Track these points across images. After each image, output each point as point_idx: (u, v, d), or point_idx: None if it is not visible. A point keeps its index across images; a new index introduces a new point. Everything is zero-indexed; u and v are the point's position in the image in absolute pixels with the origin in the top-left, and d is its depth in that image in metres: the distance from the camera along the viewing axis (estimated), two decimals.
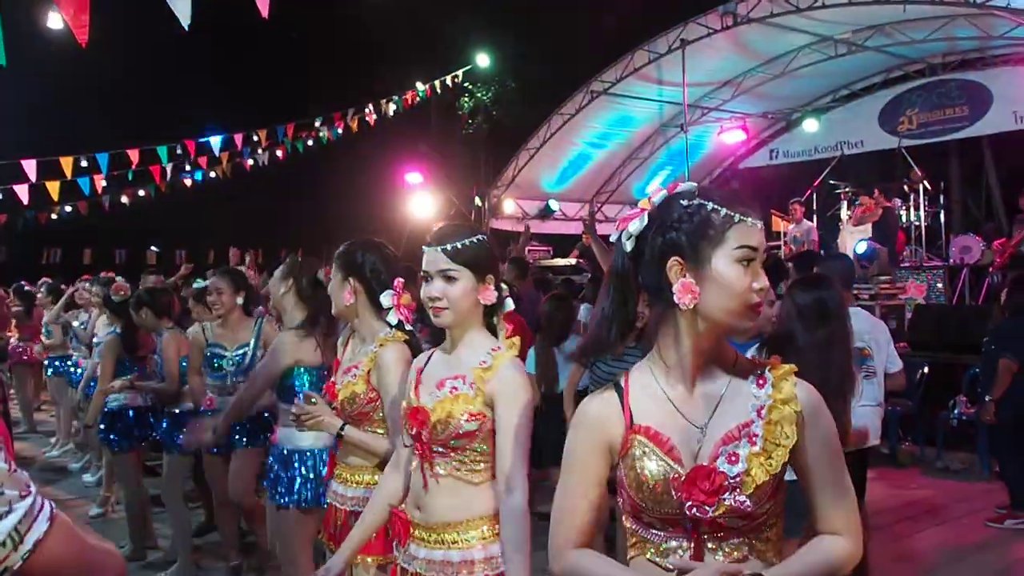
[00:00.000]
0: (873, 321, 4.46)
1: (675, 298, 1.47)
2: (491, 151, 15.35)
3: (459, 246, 2.11)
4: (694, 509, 1.44)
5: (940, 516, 5.80)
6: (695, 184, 1.55)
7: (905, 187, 11.28)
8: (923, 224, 11.23)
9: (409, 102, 14.34)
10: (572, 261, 12.35)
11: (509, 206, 14.55)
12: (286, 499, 3.32)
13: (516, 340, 2.18)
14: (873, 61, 12.33)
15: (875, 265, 10.34)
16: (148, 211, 15.91)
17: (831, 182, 12.13)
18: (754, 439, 1.46)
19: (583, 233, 12.54)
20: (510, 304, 2.23)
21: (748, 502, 1.43)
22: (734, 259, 1.46)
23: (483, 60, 16.16)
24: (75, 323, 7.37)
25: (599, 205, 15.10)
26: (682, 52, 11.46)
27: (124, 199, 15.10)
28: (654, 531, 1.51)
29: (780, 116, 13.99)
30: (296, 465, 3.34)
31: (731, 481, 1.43)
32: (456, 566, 2.06)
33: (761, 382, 1.51)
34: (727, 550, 1.48)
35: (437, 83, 14.54)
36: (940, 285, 9.73)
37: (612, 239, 1.58)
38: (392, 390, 2.56)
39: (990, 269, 9.79)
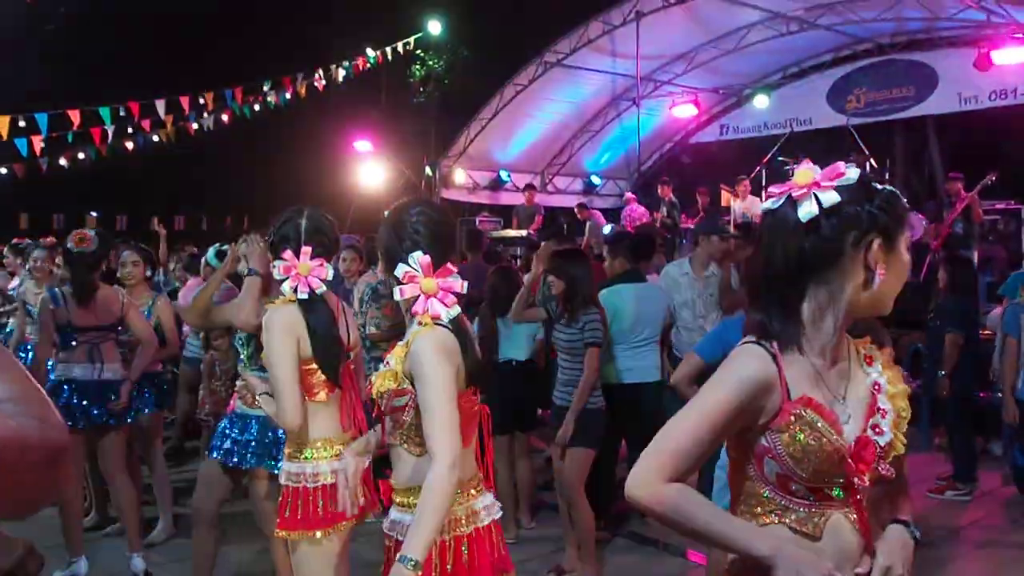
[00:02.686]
0: None
1: (875, 277, 1.54)
2: (442, 120, 15.15)
3: None
4: (854, 478, 1.54)
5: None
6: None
7: (853, 164, 11.41)
8: None
9: (359, 68, 14.06)
10: (523, 232, 12.30)
11: (460, 176, 14.42)
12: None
13: (449, 309, 2.14)
14: (823, 39, 12.45)
15: None
16: (88, 175, 15.40)
17: (780, 159, 12.25)
18: (885, 413, 1.58)
19: (577, 207, 12.39)
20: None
21: (892, 469, 1.57)
22: (906, 247, 1.59)
23: (435, 28, 15.90)
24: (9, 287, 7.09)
25: (550, 177, 15.06)
26: (636, 24, 11.41)
27: (63, 162, 14.58)
28: (798, 499, 1.55)
29: (731, 92, 14.06)
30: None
31: (880, 450, 1.55)
32: (407, 528, 2.08)
33: (869, 360, 1.64)
34: (849, 512, 1.58)
35: (388, 50, 14.28)
36: None
37: (764, 207, 1.59)
38: (272, 348, 2.66)
39: (931, 247, 10.03)
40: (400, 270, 2.11)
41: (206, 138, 14.78)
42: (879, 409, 1.59)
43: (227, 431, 3.43)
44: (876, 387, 1.61)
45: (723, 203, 12.44)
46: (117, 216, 18.81)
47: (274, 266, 2.73)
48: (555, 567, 4.46)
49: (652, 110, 13.87)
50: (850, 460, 1.52)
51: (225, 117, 14.21)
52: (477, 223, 13.52)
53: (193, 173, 18.57)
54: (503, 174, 14.47)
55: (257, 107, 14.16)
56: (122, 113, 12.48)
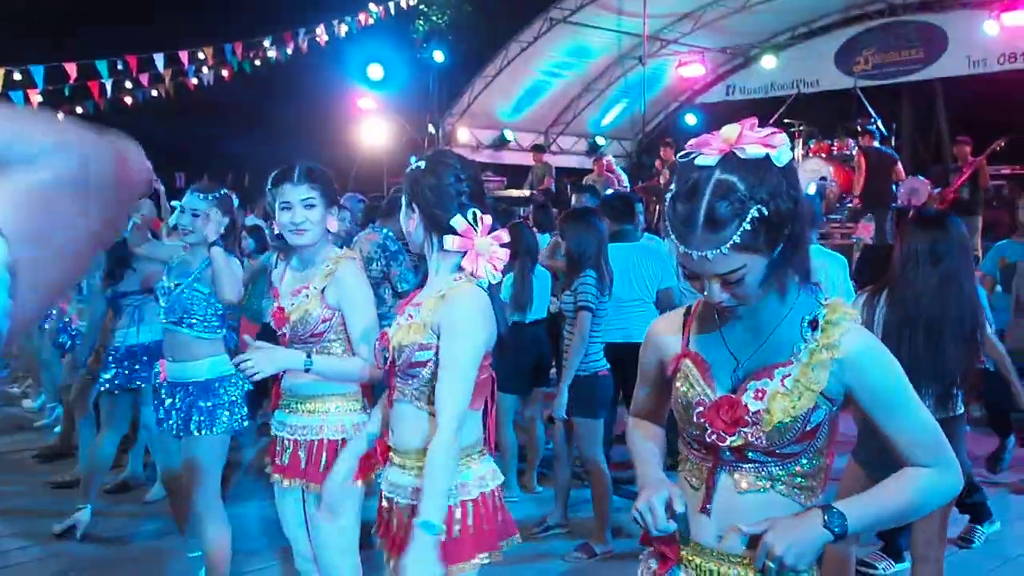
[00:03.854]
0: (826, 254, 4.47)
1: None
2: (446, 77, 14.99)
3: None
4: (713, 436, 1.51)
5: None
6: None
7: (859, 127, 11.36)
8: None
9: (362, 23, 13.85)
10: (526, 192, 12.22)
11: (463, 135, 14.29)
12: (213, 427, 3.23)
13: (496, 273, 2.11)
14: None
15: (823, 204, 10.49)
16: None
17: (786, 120, 12.15)
18: (786, 379, 1.49)
19: (598, 159, 11.71)
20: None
21: (764, 439, 1.48)
22: None
23: None
24: None
25: (554, 136, 14.94)
26: None
27: (60, 116, 14.41)
28: (692, 450, 1.61)
29: (738, 52, 13.90)
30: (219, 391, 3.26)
31: (751, 416, 1.48)
32: (410, 491, 2.08)
33: (814, 324, 1.51)
34: (744, 478, 1.54)
35: (391, 4, 14.05)
36: (888, 226, 9.90)
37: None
38: (358, 305, 2.62)
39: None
40: (459, 222, 2.07)
41: (207, 93, 14.62)
42: (785, 375, 1.50)
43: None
44: (800, 353, 1.51)
45: None
46: None
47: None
48: (540, 522, 4.42)
49: (658, 69, 13.72)
50: (696, 415, 1.53)
51: (225, 72, 14.05)
52: None
53: (194, 129, 18.40)
54: (507, 133, 14.35)
55: (258, 62, 13.99)
56: (120, 67, 12.32)
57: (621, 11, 12.49)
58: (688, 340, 1.61)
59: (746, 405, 1.49)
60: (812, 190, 10.47)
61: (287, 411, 2.73)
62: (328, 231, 2.70)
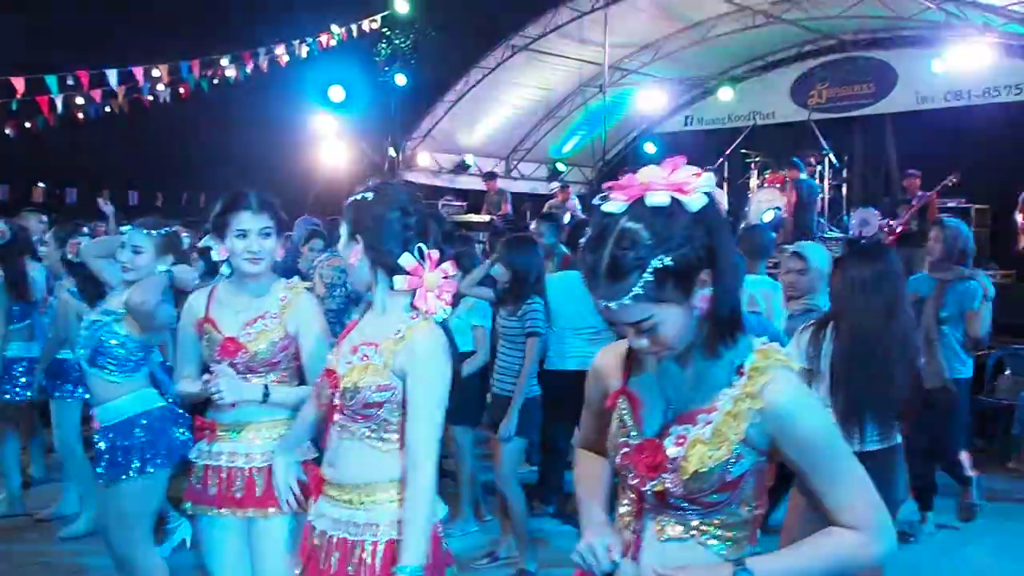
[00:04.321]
0: (773, 285, 4.52)
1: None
2: (407, 101, 14.99)
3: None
4: (636, 480, 1.48)
5: None
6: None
7: (812, 159, 11.60)
8: (826, 196, 11.58)
9: (324, 44, 13.81)
10: (486, 218, 12.23)
11: (424, 159, 14.28)
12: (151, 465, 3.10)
13: (446, 307, 2.09)
14: (788, 34, 12.58)
15: (780, 234, 10.64)
16: (36, 146, 14.90)
17: (743, 151, 12.35)
18: (708, 426, 1.44)
19: (565, 188, 11.70)
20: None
21: (682, 487, 1.43)
22: None
23: (402, 6, 15.66)
24: None
25: (515, 163, 15.01)
26: (605, 11, 11.40)
27: (8, 131, 14.09)
28: (624, 492, 1.57)
29: (697, 82, 14.14)
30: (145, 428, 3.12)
31: (670, 463, 1.44)
32: (361, 528, 2.05)
33: (742, 370, 1.45)
34: (666, 525, 1.49)
35: (354, 27, 14.04)
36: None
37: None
38: (314, 335, 2.65)
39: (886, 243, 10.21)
40: (407, 261, 2.01)
41: (163, 111, 14.41)
42: (707, 422, 1.44)
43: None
44: (711, 409, 1.45)
45: None
46: (67, 189, 18.27)
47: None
48: (489, 553, 4.46)
49: (618, 98, 13.88)
50: (620, 456, 1.51)
51: (182, 90, 13.89)
52: (440, 207, 13.42)
53: (149, 147, 18.09)
54: (468, 158, 14.37)
55: (216, 81, 13.86)
56: (70, 82, 12.09)
57: (583, 40, 12.66)
58: (628, 376, 1.56)
59: (666, 451, 1.44)
60: (768, 218, 10.64)
61: (219, 441, 2.66)
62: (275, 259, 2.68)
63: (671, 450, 1.44)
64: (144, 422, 3.09)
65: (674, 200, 1.36)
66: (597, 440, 1.68)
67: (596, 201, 1.42)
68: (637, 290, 1.34)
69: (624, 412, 1.52)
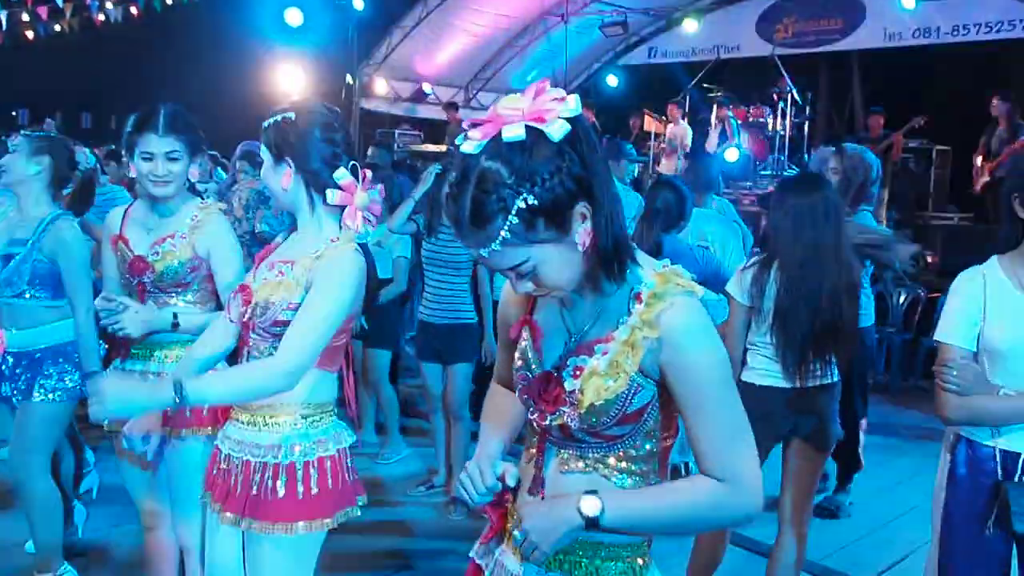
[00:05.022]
0: (724, 222, 4.39)
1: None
2: (366, 27, 14.52)
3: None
4: (535, 414, 1.44)
5: None
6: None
7: (774, 95, 11.40)
8: (787, 134, 11.42)
9: None
10: (443, 148, 11.98)
11: (381, 87, 13.90)
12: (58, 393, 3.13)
13: (370, 226, 2.06)
14: None
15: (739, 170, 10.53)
16: None
17: (705, 85, 12.11)
18: (603, 357, 1.37)
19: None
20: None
21: (579, 421, 1.38)
22: None
23: None
24: None
25: (474, 92, 14.66)
26: None
27: None
28: (528, 425, 1.52)
29: (661, 14, 13.76)
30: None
31: (568, 396, 1.38)
32: (264, 449, 2.06)
33: (641, 296, 1.36)
34: (568, 459, 1.44)
35: None
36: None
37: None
38: (227, 256, 2.60)
39: None
40: (343, 176, 2.00)
41: (115, 33, 13.93)
42: (603, 352, 1.38)
43: None
44: (608, 339, 1.39)
45: (646, 128, 12.30)
46: (18, 110, 17.76)
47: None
48: (424, 481, 4.53)
49: (581, 28, 13.51)
50: (519, 389, 1.46)
51: (134, 10, 13.41)
52: (396, 136, 13.13)
53: (103, 69, 17.54)
54: (425, 86, 14.01)
55: (169, 1, 13.40)
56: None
57: None
58: (534, 305, 1.49)
59: (563, 383, 1.39)
60: (732, 156, 10.50)
61: (132, 359, 2.63)
62: (188, 180, 2.63)
63: (568, 383, 1.38)
64: (71, 350, 3.11)
65: (533, 131, 1.25)
66: (509, 374, 1.62)
67: (458, 140, 1.31)
68: (504, 234, 1.26)
69: (526, 343, 1.47)
